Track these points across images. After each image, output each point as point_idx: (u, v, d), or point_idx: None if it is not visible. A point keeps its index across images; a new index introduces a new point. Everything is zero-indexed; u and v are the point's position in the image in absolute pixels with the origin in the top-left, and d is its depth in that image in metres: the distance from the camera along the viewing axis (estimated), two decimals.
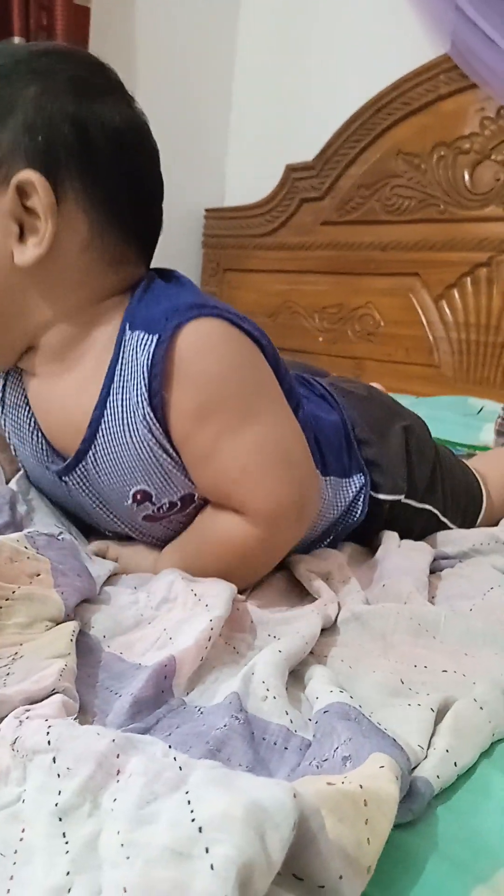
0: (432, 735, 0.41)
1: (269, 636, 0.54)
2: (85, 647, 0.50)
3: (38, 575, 0.53)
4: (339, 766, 0.35)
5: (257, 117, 2.23)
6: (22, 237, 0.55)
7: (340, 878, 0.26)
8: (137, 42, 2.06)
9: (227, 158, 2.33)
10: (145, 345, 0.55)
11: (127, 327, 0.57)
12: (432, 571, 0.69)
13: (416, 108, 1.75)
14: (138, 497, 0.61)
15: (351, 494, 0.72)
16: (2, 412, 0.67)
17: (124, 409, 0.57)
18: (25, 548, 0.55)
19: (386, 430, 0.78)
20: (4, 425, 0.68)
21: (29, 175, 0.53)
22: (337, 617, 0.58)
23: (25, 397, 0.65)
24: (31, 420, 0.64)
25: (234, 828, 0.23)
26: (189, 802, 0.26)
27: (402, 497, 0.75)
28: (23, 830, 0.29)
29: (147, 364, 0.55)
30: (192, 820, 0.24)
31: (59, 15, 1.87)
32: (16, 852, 0.28)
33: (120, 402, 0.57)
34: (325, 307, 1.97)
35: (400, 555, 0.69)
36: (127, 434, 0.58)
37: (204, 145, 2.27)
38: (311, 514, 0.63)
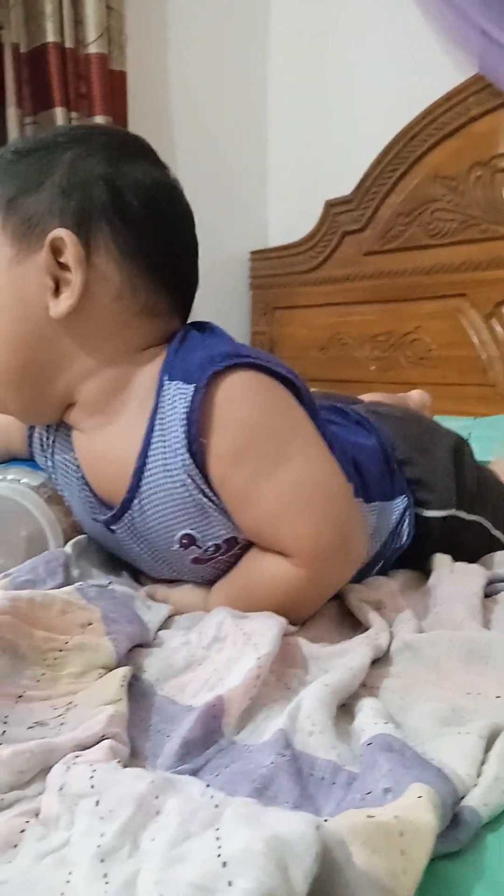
0: (482, 763, 0.40)
1: (320, 670, 0.54)
2: (138, 691, 0.51)
3: (90, 624, 0.55)
4: (380, 798, 0.34)
5: (293, 157, 2.29)
6: (57, 291, 0.59)
7: None
8: (172, 100, 2.15)
9: (267, 200, 2.38)
10: (183, 394, 0.58)
11: (165, 378, 0.60)
12: (488, 595, 0.68)
13: (448, 132, 1.76)
14: (184, 541, 0.62)
15: (396, 517, 0.72)
16: (53, 468, 0.70)
17: (165, 458, 0.59)
18: (76, 600, 0.57)
19: (429, 445, 0.78)
20: (56, 480, 0.71)
21: (60, 232, 0.57)
22: (389, 646, 0.58)
23: (72, 452, 0.67)
24: (77, 473, 0.67)
25: (255, 861, 0.24)
26: (218, 839, 0.26)
27: (453, 510, 0.74)
28: (69, 873, 0.31)
29: (185, 412, 0.57)
30: (219, 856, 0.25)
31: (96, 81, 1.96)
32: (62, 894, 0.30)
33: (161, 451, 0.59)
34: (375, 336, 1.97)
35: (452, 580, 0.68)
36: (169, 481, 0.59)
37: (244, 190, 2.33)
38: (361, 550, 0.63)
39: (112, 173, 0.59)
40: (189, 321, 0.67)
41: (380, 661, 0.56)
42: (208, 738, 0.45)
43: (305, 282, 2.14)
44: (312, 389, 1.01)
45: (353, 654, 0.54)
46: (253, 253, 2.29)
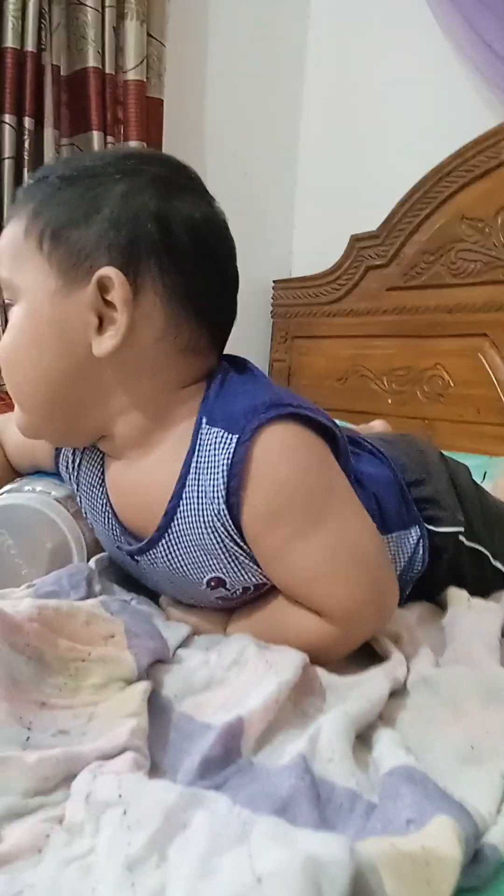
0: (502, 802, 0.40)
1: (338, 700, 0.54)
2: (157, 707, 0.51)
3: (113, 637, 0.55)
4: (402, 828, 0.35)
5: (321, 190, 2.32)
6: (101, 328, 0.57)
7: None
8: (206, 127, 2.19)
9: (293, 231, 2.42)
10: (225, 443, 0.57)
11: (204, 421, 0.59)
12: None
13: (478, 175, 1.78)
14: (213, 584, 0.62)
15: (411, 545, 0.72)
16: (77, 488, 0.71)
17: (199, 503, 0.59)
18: (100, 612, 0.57)
19: (430, 467, 0.79)
20: (80, 502, 0.71)
21: (109, 271, 0.56)
22: (406, 680, 0.58)
23: (101, 477, 0.67)
24: (105, 500, 0.67)
25: (291, 880, 0.24)
26: (250, 856, 0.27)
27: (461, 528, 0.75)
28: (96, 881, 0.31)
29: (227, 463, 0.57)
30: (252, 871, 0.25)
31: (133, 108, 2.00)
32: None
33: (195, 495, 0.59)
34: (393, 370, 1.98)
35: (470, 618, 0.68)
36: (201, 526, 0.59)
37: (271, 220, 2.36)
38: (393, 602, 0.62)
39: (163, 210, 0.57)
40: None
41: (397, 693, 0.56)
42: (227, 757, 0.45)
43: (327, 313, 2.16)
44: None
45: (370, 684, 0.55)
46: (276, 282, 2.32)
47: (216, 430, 0.58)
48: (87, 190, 0.57)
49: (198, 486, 0.58)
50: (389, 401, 2.00)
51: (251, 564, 0.61)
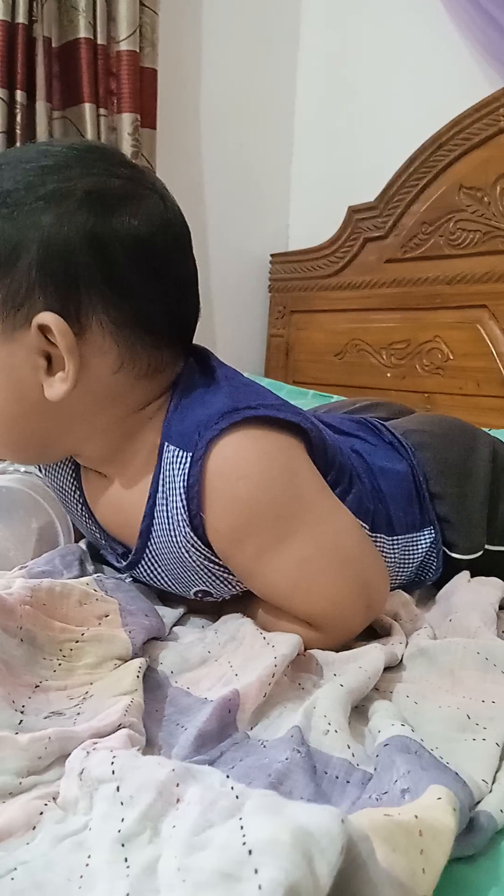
0: (497, 770, 0.40)
1: (333, 674, 0.54)
2: (153, 682, 0.52)
3: (107, 616, 0.55)
4: (397, 798, 0.35)
5: (318, 161, 2.29)
6: (50, 368, 0.54)
7: None
8: (202, 98, 2.16)
9: (290, 203, 2.39)
10: (181, 463, 0.55)
11: (164, 440, 0.57)
12: (502, 608, 0.68)
13: (476, 143, 1.75)
14: (199, 595, 0.62)
15: (422, 551, 0.69)
16: (49, 485, 0.70)
17: (170, 526, 0.57)
18: (94, 590, 0.57)
19: (467, 472, 0.73)
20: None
21: (46, 318, 0.51)
22: (403, 654, 0.58)
23: (75, 482, 0.66)
24: (83, 505, 0.66)
25: (281, 851, 0.24)
26: (242, 828, 0.26)
27: (479, 554, 0.72)
28: (88, 857, 0.31)
29: (183, 486, 0.55)
30: (243, 844, 0.25)
31: (126, 79, 1.97)
32: (81, 877, 0.30)
33: (165, 517, 0.57)
34: (392, 343, 1.97)
35: (468, 589, 0.68)
36: (175, 547, 0.58)
37: (267, 193, 2.33)
38: (382, 599, 0.60)
39: (98, 233, 0.51)
40: (199, 328, 0.62)
41: (394, 666, 0.56)
42: (223, 730, 0.45)
43: (325, 286, 2.14)
44: (363, 399, 0.99)
45: (366, 657, 0.54)
46: (273, 255, 2.29)
47: (173, 448, 0.56)
48: (9, 224, 0.51)
49: (165, 507, 0.57)
50: (388, 374, 1.99)
51: (232, 577, 0.59)
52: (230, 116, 2.20)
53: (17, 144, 1.86)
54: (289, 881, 0.23)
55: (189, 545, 0.57)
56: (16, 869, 0.30)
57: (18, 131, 1.85)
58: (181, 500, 0.55)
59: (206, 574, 0.59)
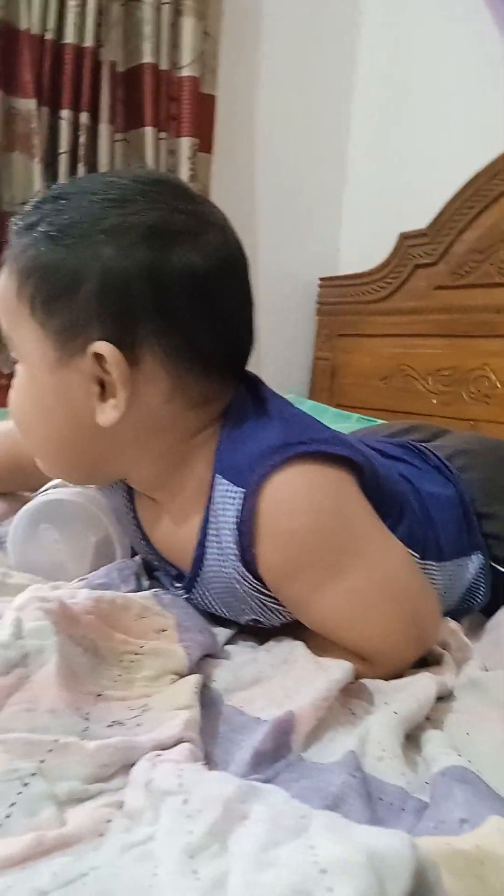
0: None
1: (384, 703, 0.54)
2: (207, 699, 0.52)
3: (164, 630, 0.57)
4: (456, 827, 0.35)
5: (370, 187, 2.31)
6: (103, 394, 0.56)
7: None
8: (257, 122, 2.20)
9: (341, 228, 2.41)
10: (233, 499, 0.56)
11: (217, 473, 0.58)
12: None
13: None
14: (250, 623, 0.63)
15: (470, 576, 0.69)
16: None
17: (221, 559, 0.58)
18: (153, 605, 0.59)
19: None
20: None
21: (102, 347, 0.53)
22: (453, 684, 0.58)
23: (129, 504, 0.68)
24: (137, 527, 0.67)
25: (355, 872, 0.25)
26: (311, 847, 0.27)
27: None
28: (155, 867, 0.32)
29: (235, 521, 0.56)
30: (315, 863, 0.26)
31: (186, 103, 2.02)
32: (150, 886, 0.31)
33: (217, 551, 0.58)
34: (439, 370, 1.97)
35: None
36: (226, 578, 0.59)
37: (318, 216, 2.36)
38: (434, 631, 0.61)
39: (157, 267, 0.53)
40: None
41: (445, 697, 0.56)
42: (277, 751, 0.46)
43: (373, 311, 2.14)
44: (400, 423, 0.99)
45: (417, 686, 0.55)
46: (322, 279, 2.31)
47: (225, 483, 0.57)
48: (72, 254, 0.53)
49: (218, 543, 0.58)
50: (434, 401, 1.98)
51: (283, 609, 0.60)
52: (284, 141, 2.24)
53: (80, 164, 1.92)
54: None
55: (240, 577, 0.58)
56: (87, 874, 0.31)
57: (81, 152, 1.91)
58: (233, 535, 0.56)
59: (257, 604, 0.60)
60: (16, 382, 0.61)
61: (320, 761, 0.45)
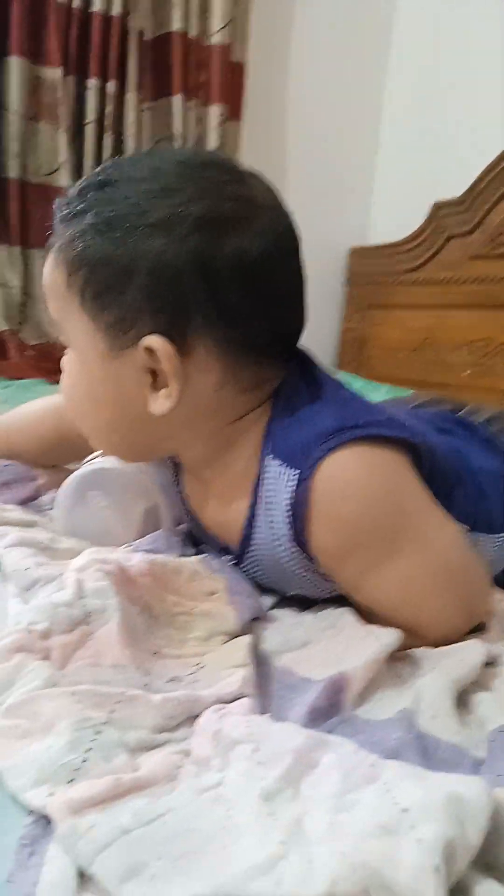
0: None
1: (431, 668, 0.55)
2: (258, 659, 0.54)
3: (215, 593, 0.58)
4: None
5: (404, 155, 2.28)
6: (155, 382, 0.56)
7: None
8: (289, 91, 2.17)
9: (372, 197, 2.38)
10: (286, 480, 0.56)
11: (268, 453, 0.58)
12: None
13: None
14: (301, 603, 0.64)
15: None
16: None
17: (272, 538, 0.59)
18: (202, 569, 0.60)
19: None
20: None
21: (154, 341, 0.53)
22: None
23: (175, 478, 0.69)
24: (182, 502, 0.69)
25: (437, 812, 0.26)
26: (388, 791, 0.28)
27: None
28: (229, 810, 0.33)
29: (289, 503, 0.56)
30: (396, 804, 0.27)
31: (215, 71, 2.00)
32: (223, 828, 0.32)
33: (267, 528, 0.59)
34: (471, 341, 1.95)
35: None
36: (276, 556, 0.59)
37: (350, 185, 2.34)
38: (484, 607, 0.61)
39: (209, 257, 0.53)
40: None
41: (491, 664, 0.57)
42: (331, 709, 0.47)
43: (404, 282, 2.13)
44: (427, 395, 0.99)
45: (465, 651, 0.55)
46: (353, 249, 2.30)
47: (277, 462, 0.57)
48: (122, 247, 0.53)
49: (269, 522, 0.58)
50: (467, 372, 1.97)
51: (330, 585, 0.61)
52: (316, 109, 2.21)
53: (106, 134, 1.91)
54: (446, 837, 0.25)
55: (292, 557, 0.59)
56: (164, 815, 0.33)
57: (107, 121, 1.90)
58: (286, 518, 0.57)
59: (305, 581, 0.61)
60: (66, 367, 0.61)
61: (374, 718, 0.47)
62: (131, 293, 0.53)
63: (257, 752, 0.35)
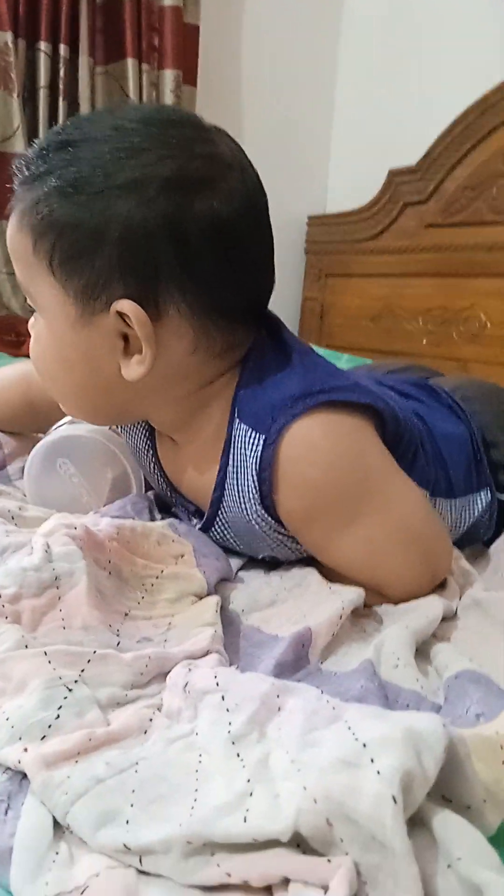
0: None
1: (393, 622, 0.57)
2: (226, 619, 0.55)
3: (183, 556, 0.59)
4: (472, 722, 0.38)
5: (359, 123, 2.27)
6: (127, 348, 0.56)
7: (485, 801, 0.30)
8: (243, 56, 2.14)
9: (329, 165, 2.38)
10: (253, 444, 0.57)
11: (235, 416, 0.58)
12: None
13: None
14: (267, 559, 0.65)
15: (479, 510, 0.71)
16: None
17: (241, 499, 0.60)
18: (170, 533, 0.61)
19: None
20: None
21: (125, 306, 0.53)
22: (457, 606, 0.61)
23: (149, 443, 0.69)
24: (157, 466, 0.69)
25: (394, 745, 0.28)
26: (349, 728, 0.30)
27: None
28: (200, 756, 0.35)
29: (255, 468, 0.57)
30: (356, 739, 0.29)
31: (169, 34, 1.96)
32: (197, 771, 0.34)
33: (236, 491, 0.60)
34: (428, 310, 1.97)
35: None
36: (245, 519, 0.60)
37: (306, 153, 2.32)
38: (446, 568, 0.63)
39: (178, 219, 0.52)
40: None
41: (450, 617, 0.60)
42: (297, 663, 0.49)
43: (362, 251, 2.14)
44: (397, 362, 1.01)
45: (425, 606, 0.58)
46: (311, 218, 2.29)
47: (245, 427, 0.57)
48: (88, 211, 0.52)
49: (236, 483, 0.59)
50: (424, 341, 2.00)
51: (299, 547, 0.62)
52: (271, 75, 2.19)
53: (60, 100, 1.87)
54: (404, 768, 0.27)
55: (260, 519, 0.60)
56: (137, 763, 0.34)
57: (61, 86, 1.85)
58: (253, 482, 0.58)
59: (275, 543, 0.62)
60: (36, 333, 0.61)
61: (338, 670, 0.48)
62: (101, 258, 0.52)
63: (225, 699, 0.36)
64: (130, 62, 1.93)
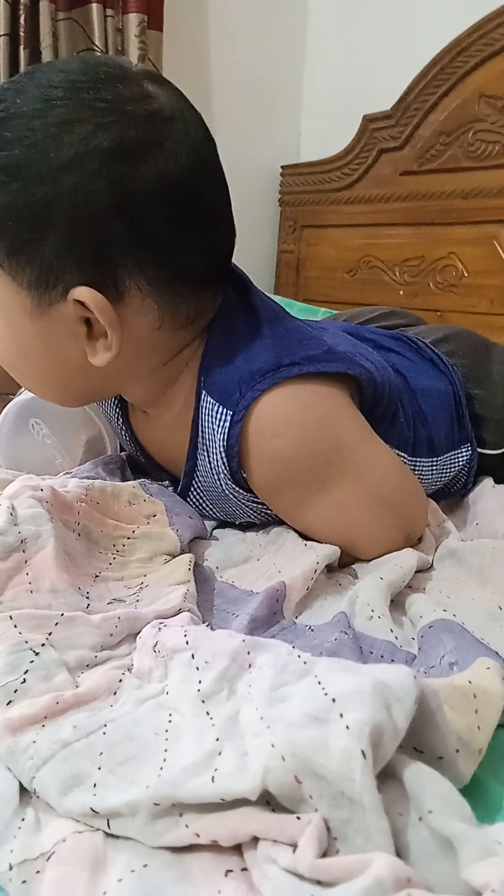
0: None
1: (367, 574, 0.57)
2: (200, 577, 0.55)
3: (154, 516, 0.58)
4: (446, 671, 0.38)
5: (332, 68, 2.20)
6: (90, 331, 0.53)
7: (457, 751, 0.30)
8: (210, 2, 2.07)
9: (301, 112, 2.31)
10: (220, 419, 0.56)
11: (202, 388, 0.57)
12: None
13: (498, 50, 1.68)
14: (245, 525, 0.65)
15: (459, 465, 0.71)
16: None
17: (212, 470, 0.59)
18: (141, 493, 0.60)
19: (491, 373, 0.76)
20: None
21: (82, 294, 0.50)
22: (433, 557, 0.61)
23: (120, 412, 0.68)
24: (130, 435, 0.68)
25: (363, 699, 0.27)
26: (319, 683, 0.29)
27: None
28: (170, 714, 0.34)
29: (223, 443, 0.56)
30: (325, 694, 0.28)
31: None
32: (166, 731, 0.33)
33: (207, 463, 0.59)
34: (405, 260, 1.95)
35: (493, 495, 0.71)
36: (218, 487, 0.60)
37: (278, 100, 2.26)
38: (421, 528, 0.62)
39: (123, 198, 0.48)
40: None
41: (424, 569, 0.59)
42: (272, 618, 0.48)
43: (337, 200, 2.09)
44: (379, 308, 0.99)
45: (398, 557, 0.57)
46: (284, 167, 2.24)
47: (212, 401, 0.56)
48: (28, 198, 0.48)
49: (206, 455, 0.59)
50: (401, 292, 1.98)
51: (274, 514, 0.61)
52: (240, 19, 2.11)
53: (21, 48, 1.79)
54: (373, 722, 0.26)
55: (232, 489, 0.59)
56: (106, 725, 0.34)
57: (22, 34, 1.78)
58: (222, 457, 0.57)
59: (250, 510, 0.62)
60: None
61: (313, 624, 0.48)
62: (50, 245, 0.49)
63: (194, 658, 0.36)
64: (95, 7, 1.85)
